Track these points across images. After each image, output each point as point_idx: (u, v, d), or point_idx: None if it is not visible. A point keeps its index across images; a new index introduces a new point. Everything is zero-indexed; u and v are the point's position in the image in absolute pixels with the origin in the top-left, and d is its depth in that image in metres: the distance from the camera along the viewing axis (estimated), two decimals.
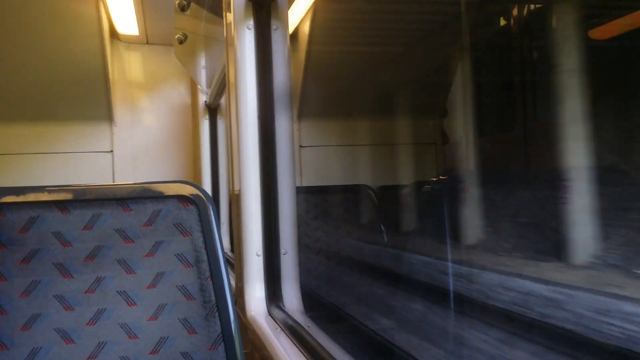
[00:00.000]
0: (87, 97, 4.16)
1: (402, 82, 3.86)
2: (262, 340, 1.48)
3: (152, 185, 1.24)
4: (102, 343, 1.14)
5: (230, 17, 1.82)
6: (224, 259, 1.25)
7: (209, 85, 4.13)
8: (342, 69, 3.84)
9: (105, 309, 1.16)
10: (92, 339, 1.14)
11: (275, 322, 1.54)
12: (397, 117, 4.05)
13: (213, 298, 1.21)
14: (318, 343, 1.34)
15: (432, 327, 2.27)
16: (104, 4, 3.76)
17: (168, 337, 1.17)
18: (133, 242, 1.20)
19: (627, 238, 2.17)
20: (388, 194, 3.70)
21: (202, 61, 4.04)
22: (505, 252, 2.68)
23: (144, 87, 4.76)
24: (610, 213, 2.24)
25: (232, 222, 1.88)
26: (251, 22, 1.77)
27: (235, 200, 1.78)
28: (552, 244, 2.46)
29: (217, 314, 1.21)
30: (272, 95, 1.75)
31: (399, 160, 4.08)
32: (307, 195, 3.56)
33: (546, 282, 2.10)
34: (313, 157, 4.11)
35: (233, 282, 1.87)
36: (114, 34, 4.34)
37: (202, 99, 4.50)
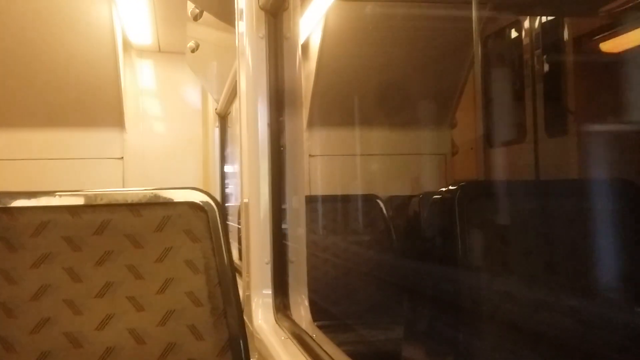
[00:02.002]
0: (98, 104, 4.20)
1: (413, 93, 3.86)
2: (268, 348, 1.48)
3: (163, 191, 1.25)
4: (110, 348, 1.14)
5: (242, 26, 1.84)
6: (232, 266, 1.25)
7: (219, 93, 4.15)
8: (352, 79, 3.85)
9: (114, 314, 1.16)
10: (101, 344, 1.14)
11: (283, 330, 1.54)
12: (407, 128, 4.05)
13: (221, 305, 1.21)
14: (326, 352, 1.33)
15: None
16: (117, 12, 3.80)
17: (176, 343, 1.17)
18: (143, 247, 1.20)
19: None
20: (397, 204, 3.69)
21: (214, 69, 4.07)
22: None
23: (155, 94, 4.80)
24: None
25: (241, 229, 1.89)
26: (263, 31, 1.78)
27: (245, 208, 1.78)
28: None
29: (224, 321, 1.20)
30: (283, 104, 1.76)
31: (408, 171, 4.07)
32: (314, 203, 3.55)
33: None
34: (322, 166, 4.12)
35: (241, 290, 1.87)
36: (126, 41, 4.38)
37: (213, 106, 4.52)
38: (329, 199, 3.52)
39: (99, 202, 1.22)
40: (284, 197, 1.71)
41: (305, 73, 3.75)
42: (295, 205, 1.71)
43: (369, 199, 3.35)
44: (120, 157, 4.42)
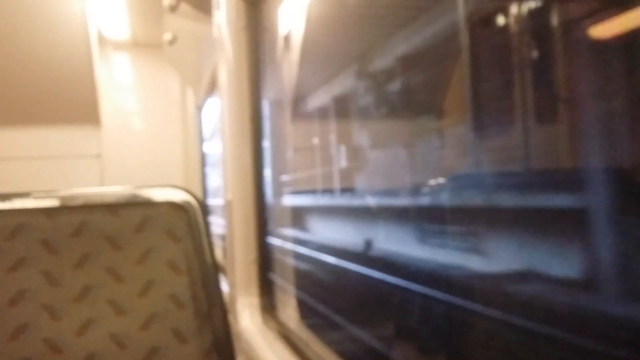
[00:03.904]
0: (73, 100, 4.11)
1: (399, 83, 3.84)
2: (255, 350, 1.44)
3: (142, 190, 1.21)
4: (91, 354, 1.11)
5: (220, 16, 1.79)
6: (216, 267, 1.22)
7: (199, 86, 4.09)
8: (337, 70, 3.81)
9: (95, 318, 1.13)
10: (82, 349, 1.11)
11: (270, 331, 1.51)
12: (394, 118, 4.03)
13: (205, 307, 1.18)
14: (314, 353, 1.31)
15: None
16: (91, 5, 3.72)
17: (159, 347, 1.14)
18: (122, 249, 1.17)
19: None
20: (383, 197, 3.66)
21: (193, 62, 4.00)
22: None
23: (132, 89, 4.72)
24: None
25: (226, 227, 1.85)
26: (242, 22, 1.74)
27: (228, 206, 1.74)
28: None
29: (209, 323, 1.18)
30: (265, 97, 1.72)
31: (395, 163, 4.06)
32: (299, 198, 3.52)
33: None
34: (307, 160, 4.08)
35: (226, 291, 1.84)
36: (101, 35, 4.30)
37: (192, 100, 4.46)
38: (313, 194, 3.49)
39: (75, 202, 1.18)
40: (269, 193, 1.67)
41: (289, 64, 3.70)
42: (280, 201, 1.68)
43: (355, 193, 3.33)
44: (97, 154, 4.33)
